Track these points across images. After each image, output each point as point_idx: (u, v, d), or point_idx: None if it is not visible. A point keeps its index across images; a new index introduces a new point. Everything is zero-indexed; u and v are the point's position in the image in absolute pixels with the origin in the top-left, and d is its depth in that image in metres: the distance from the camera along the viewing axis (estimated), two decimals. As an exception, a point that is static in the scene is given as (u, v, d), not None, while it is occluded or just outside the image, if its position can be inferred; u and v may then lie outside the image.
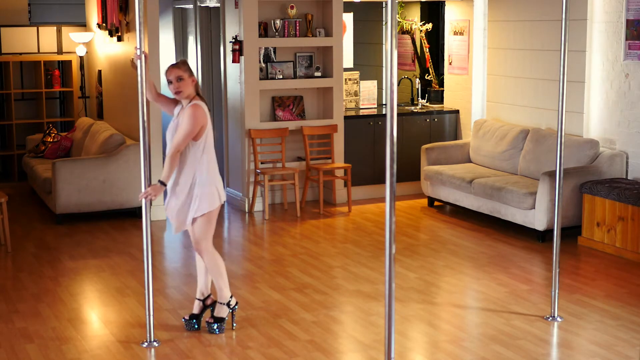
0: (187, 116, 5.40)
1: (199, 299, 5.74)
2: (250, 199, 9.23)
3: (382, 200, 8.95)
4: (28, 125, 11.43)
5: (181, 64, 5.52)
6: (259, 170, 9.05)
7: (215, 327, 5.62)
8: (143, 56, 5.28)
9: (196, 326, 5.69)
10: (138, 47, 5.24)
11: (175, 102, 5.64)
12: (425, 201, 9.57)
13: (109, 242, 8.00)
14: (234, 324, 5.71)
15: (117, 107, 10.09)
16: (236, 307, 5.71)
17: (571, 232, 7.93)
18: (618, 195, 7.39)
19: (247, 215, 9.10)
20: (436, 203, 9.43)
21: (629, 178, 8.03)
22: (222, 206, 9.44)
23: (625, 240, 7.37)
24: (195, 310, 5.73)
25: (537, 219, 7.84)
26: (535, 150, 8.57)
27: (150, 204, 5.50)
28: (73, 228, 8.50)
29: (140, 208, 5.65)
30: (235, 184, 9.57)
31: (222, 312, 5.66)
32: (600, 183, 7.65)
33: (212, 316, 5.67)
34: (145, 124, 5.34)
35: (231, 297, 5.67)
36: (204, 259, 5.60)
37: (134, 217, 8.80)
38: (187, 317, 5.73)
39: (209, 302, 5.75)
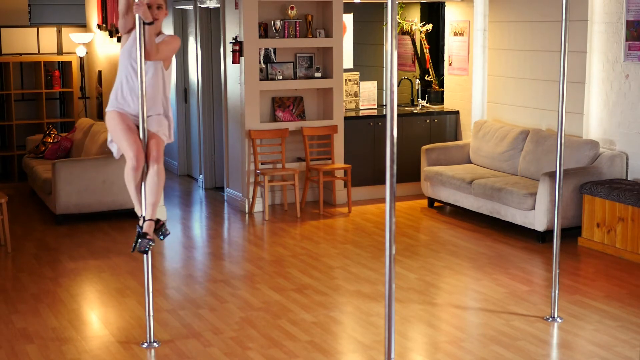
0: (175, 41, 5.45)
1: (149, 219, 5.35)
2: (250, 199, 9.23)
3: (382, 200, 8.95)
4: (28, 126, 11.43)
5: None
6: (259, 171, 9.05)
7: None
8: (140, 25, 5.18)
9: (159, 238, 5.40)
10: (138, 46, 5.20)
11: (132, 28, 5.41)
12: (425, 202, 9.57)
13: (109, 243, 8.01)
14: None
15: (117, 108, 10.08)
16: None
17: (571, 232, 7.93)
18: (618, 196, 7.39)
19: (247, 216, 9.10)
20: (436, 204, 9.43)
21: (628, 179, 8.03)
22: (222, 205, 9.48)
23: (625, 241, 7.37)
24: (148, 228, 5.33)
25: (537, 220, 7.84)
26: (535, 151, 8.57)
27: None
28: (73, 229, 8.50)
29: (140, 208, 5.61)
30: (235, 184, 9.57)
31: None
32: (600, 184, 7.65)
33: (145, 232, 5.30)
34: (146, 124, 5.36)
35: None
36: (160, 168, 5.31)
37: (133, 217, 8.77)
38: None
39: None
